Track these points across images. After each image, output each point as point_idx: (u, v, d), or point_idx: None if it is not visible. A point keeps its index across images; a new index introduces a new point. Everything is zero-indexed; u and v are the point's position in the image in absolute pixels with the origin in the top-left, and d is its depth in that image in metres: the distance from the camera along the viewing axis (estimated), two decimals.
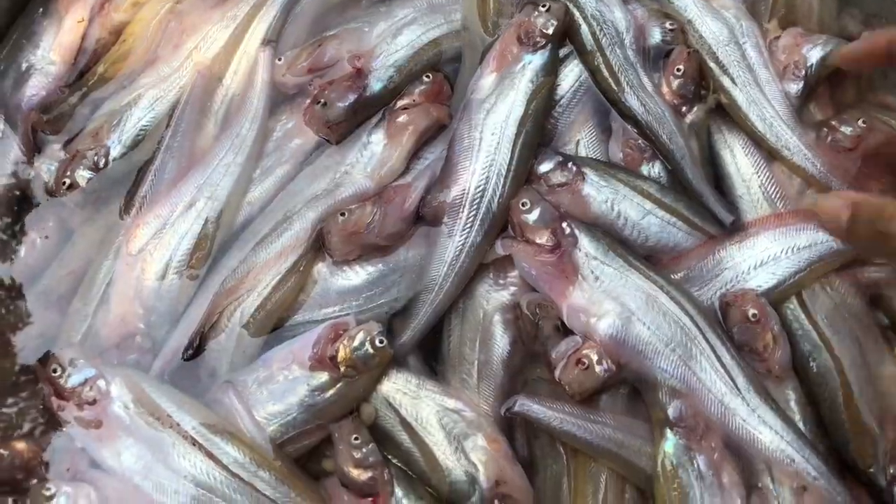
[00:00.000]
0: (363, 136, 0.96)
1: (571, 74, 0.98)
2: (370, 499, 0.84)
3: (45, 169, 0.96)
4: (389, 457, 0.87)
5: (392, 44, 0.98)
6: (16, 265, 0.94)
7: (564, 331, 0.87)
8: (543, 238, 0.89)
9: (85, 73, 1.01)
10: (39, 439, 0.87)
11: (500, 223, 0.91)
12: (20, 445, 0.86)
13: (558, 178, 0.92)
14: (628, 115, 0.95)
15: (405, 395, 0.88)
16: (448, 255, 0.89)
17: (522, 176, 0.92)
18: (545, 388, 0.88)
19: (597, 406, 0.86)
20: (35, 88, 0.99)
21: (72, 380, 0.86)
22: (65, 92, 1.00)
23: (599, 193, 0.92)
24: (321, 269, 0.91)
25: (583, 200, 0.91)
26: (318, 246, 0.91)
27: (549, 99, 0.95)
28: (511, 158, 0.91)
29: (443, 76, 0.98)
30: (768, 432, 0.84)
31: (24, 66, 1.00)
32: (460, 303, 0.91)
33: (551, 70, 0.95)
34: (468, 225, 0.90)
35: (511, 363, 0.89)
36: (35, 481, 0.84)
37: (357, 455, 0.84)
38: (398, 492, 0.85)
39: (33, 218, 0.96)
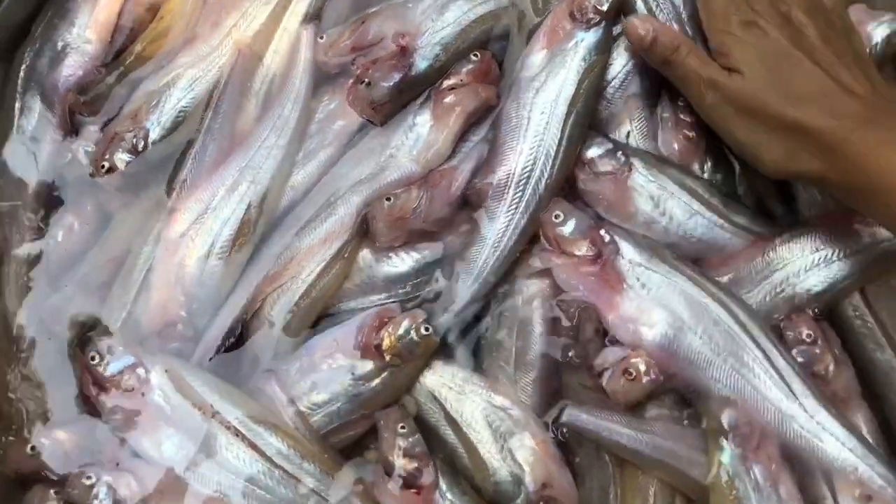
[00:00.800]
0: (408, 118, 0.92)
1: (622, 57, 0.94)
2: (414, 490, 0.82)
3: (83, 151, 0.94)
4: (434, 454, 0.84)
5: (438, 21, 0.94)
6: (54, 251, 0.92)
7: (604, 334, 0.85)
8: (582, 249, 0.86)
9: (122, 51, 0.98)
10: (79, 428, 0.85)
11: (546, 206, 0.88)
12: (60, 434, 0.85)
13: (605, 165, 0.88)
14: None
15: (451, 389, 0.85)
16: (490, 238, 0.86)
17: (571, 158, 0.88)
18: (588, 396, 0.85)
19: (644, 413, 0.84)
20: (71, 68, 0.96)
21: (110, 367, 0.84)
22: (101, 72, 0.97)
23: (646, 188, 0.88)
24: (366, 255, 0.89)
25: (627, 193, 0.88)
26: (363, 232, 0.88)
27: (602, 78, 0.92)
28: (560, 139, 0.87)
29: (491, 55, 0.95)
30: (829, 439, 0.80)
31: (59, 44, 0.97)
32: (500, 288, 0.88)
33: (605, 48, 0.91)
34: (513, 207, 0.86)
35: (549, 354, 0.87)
36: (75, 470, 0.82)
37: (403, 444, 0.82)
38: (442, 485, 0.82)
39: (70, 202, 0.93)
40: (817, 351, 0.83)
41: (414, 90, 0.93)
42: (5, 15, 0.99)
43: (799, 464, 0.81)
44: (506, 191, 0.86)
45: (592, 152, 0.89)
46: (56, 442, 0.84)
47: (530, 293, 0.87)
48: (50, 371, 0.88)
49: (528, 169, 0.86)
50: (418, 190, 0.87)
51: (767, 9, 0.84)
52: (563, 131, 0.87)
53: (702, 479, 0.81)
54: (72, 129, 0.95)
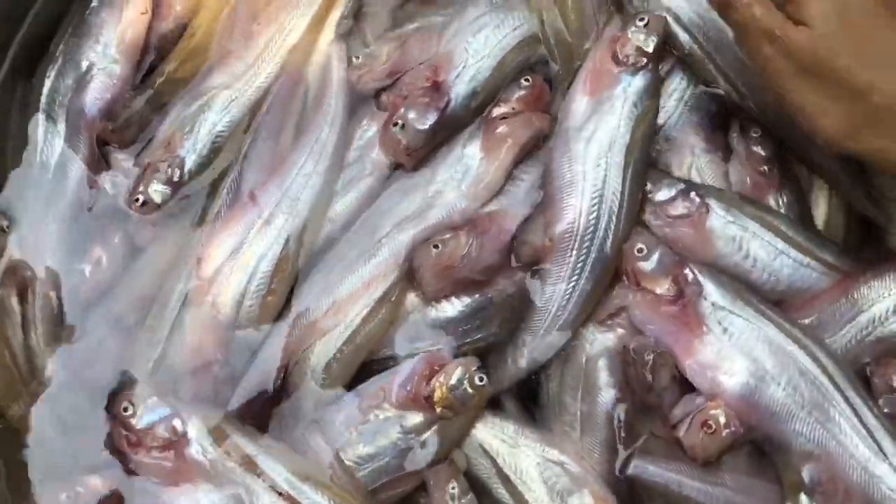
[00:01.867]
0: (456, 149, 0.87)
1: (675, 92, 0.89)
2: None
3: (110, 182, 0.89)
4: None
5: (470, 50, 0.88)
6: (81, 286, 0.87)
7: (682, 381, 0.79)
8: (663, 287, 0.80)
9: (151, 72, 0.92)
10: (116, 474, 0.80)
11: (613, 267, 0.82)
12: (96, 482, 0.80)
13: (679, 209, 0.82)
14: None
15: (503, 442, 0.81)
16: (554, 303, 0.81)
17: (635, 212, 0.83)
18: (659, 446, 0.80)
19: (718, 465, 0.79)
20: (98, 91, 0.90)
21: (144, 420, 0.79)
22: (130, 95, 0.91)
23: (726, 229, 0.82)
24: (412, 300, 0.84)
25: (706, 237, 0.82)
26: (409, 278, 0.83)
27: (655, 123, 0.86)
28: (622, 193, 0.82)
29: (542, 79, 0.89)
30: None
31: (84, 64, 0.91)
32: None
33: (655, 92, 0.86)
34: (578, 270, 0.81)
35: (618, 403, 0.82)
36: None
37: None
38: None
39: (97, 235, 0.88)
40: None
41: (448, 131, 0.87)
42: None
43: None
44: (569, 251, 0.81)
45: (663, 195, 0.83)
46: (91, 491, 0.80)
47: (595, 351, 0.82)
48: (82, 415, 0.84)
49: (591, 227, 0.81)
50: (467, 236, 0.82)
51: None
52: (623, 184, 0.82)
53: None
54: (100, 158, 0.89)
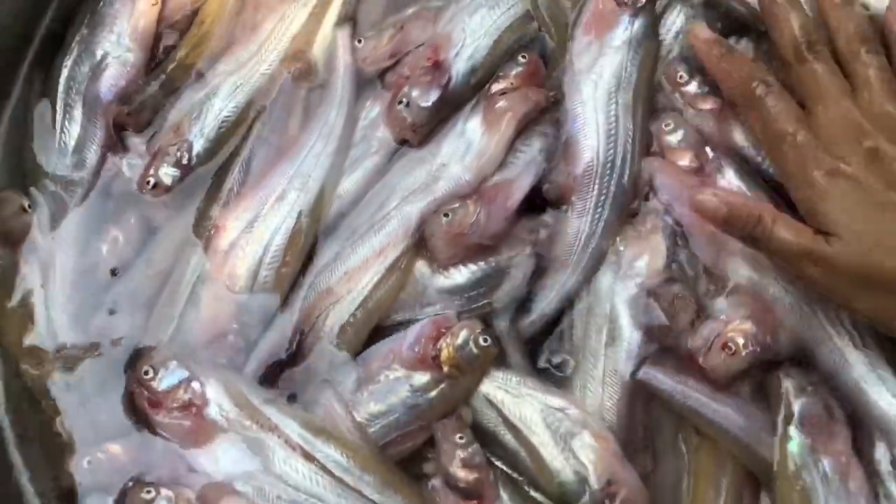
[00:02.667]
0: (458, 125, 0.91)
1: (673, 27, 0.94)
2: (475, 501, 0.82)
3: (127, 164, 0.93)
4: (493, 458, 0.84)
5: (468, 30, 0.93)
6: (100, 266, 0.91)
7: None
8: (685, 160, 0.86)
9: (164, 59, 0.97)
10: (134, 442, 0.84)
11: (632, 197, 0.88)
12: (115, 448, 0.84)
13: (708, 104, 0.88)
14: None
15: (507, 393, 0.85)
16: (581, 234, 0.86)
17: (645, 145, 0.89)
18: (670, 360, 0.85)
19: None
20: (113, 78, 0.94)
21: (164, 382, 0.82)
22: (144, 81, 0.95)
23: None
24: (421, 267, 0.88)
25: (727, 128, 0.88)
26: (420, 246, 0.87)
27: (657, 63, 0.91)
28: (633, 130, 0.88)
29: (537, 56, 0.93)
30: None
31: (99, 53, 0.95)
32: (583, 292, 0.88)
33: (655, 31, 0.91)
34: (601, 202, 0.86)
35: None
36: (132, 484, 0.81)
37: (462, 455, 0.81)
38: (503, 495, 0.82)
39: (115, 215, 0.92)
40: None
41: (450, 107, 0.92)
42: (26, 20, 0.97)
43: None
44: (591, 186, 0.86)
45: (693, 87, 0.89)
46: (112, 456, 0.83)
47: (620, 299, 0.86)
48: (101, 386, 0.87)
49: (609, 164, 0.86)
50: (475, 204, 0.86)
51: (849, 149, 0.72)
52: (633, 121, 0.88)
53: (769, 458, 0.81)
54: (117, 141, 0.93)
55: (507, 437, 0.84)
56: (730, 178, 0.86)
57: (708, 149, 0.87)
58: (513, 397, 0.84)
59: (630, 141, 0.88)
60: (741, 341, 0.81)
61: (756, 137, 0.85)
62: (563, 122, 0.90)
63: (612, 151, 0.87)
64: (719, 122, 0.88)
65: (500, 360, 0.86)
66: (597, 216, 0.87)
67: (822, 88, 0.77)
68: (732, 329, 0.82)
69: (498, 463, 0.84)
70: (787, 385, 0.82)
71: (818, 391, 0.82)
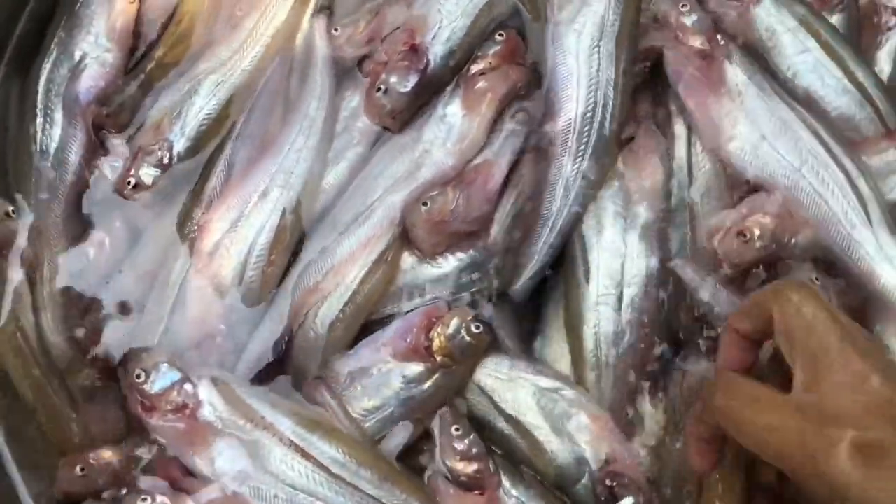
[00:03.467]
0: (438, 109, 0.90)
1: None
2: (477, 492, 0.81)
3: (108, 166, 0.92)
4: (490, 446, 0.83)
5: (444, 11, 0.92)
6: (86, 269, 0.90)
7: (702, 323, 0.84)
8: (697, 42, 0.88)
9: (143, 59, 0.96)
10: (128, 447, 0.83)
11: (615, 148, 0.87)
12: (108, 454, 0.83)
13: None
14: None
15: (497, 379, 0.84)
16: (560, 187, 0.86)
17: (630, 93, 0.89)
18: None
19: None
20: (92, 79, 0.93)
21: (157, 385, 0.81)
22: (123, 81, 0.94)
23: (768, 24, 0.91)
24: (407, 258, 0.87)
25: (748, 21, 0.91)
26: (404, 237, 0.86)
27: (639, 10, 0.91)
28: (616, 78, 0.87)
29: (515, 32, 0.92)
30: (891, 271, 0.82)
31: (77, 55, 0.94)
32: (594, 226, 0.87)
33: None
34: (580, 153, 0.86)
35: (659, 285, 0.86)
36: (126, 491, 0.80)
37: (460, 447, 0.80)
38: (505, 482, 0.81)
39: (99, 218, 0.91)
40: None
41: (429, 91, 0.91)
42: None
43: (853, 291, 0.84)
44: (569, 137, 0.86)
45: None
46: (105, 461, 0.82)
47: (630, 226, 0.87)
48: (93, 392, 0.86)
49: (589, 114, 0.86)
50: (454, 190, 0.85)
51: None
52: (617, 69, 0.87)
53: None
54: (97, 143, 0.92)
55: (502, 424, 0.83)
56: (737, 61, 0.88)
57: (720, 35, 0.89)
58: (504, 382, 0.83)
59: (612, 90, 0.87)
60: (757, 232, 0.83)
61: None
62: (545, 74, 0.89)
63: (592, 101, 0.87)
64: (741, 15, 0.91)
65: (492, 346, 0.85)
66: (576, 167, 0.86)
67: None
68: (752, 220, 0.83)
69: (496, 450, 0.83)
70: None
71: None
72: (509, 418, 0.83)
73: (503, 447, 0.83)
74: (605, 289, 0.85)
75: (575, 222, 0.87)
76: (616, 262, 0.86)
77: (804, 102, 0.89)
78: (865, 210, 0.83)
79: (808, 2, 0.93)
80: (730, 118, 0.87)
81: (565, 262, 0.88)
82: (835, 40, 0.91)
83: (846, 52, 0.91)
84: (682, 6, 0.89)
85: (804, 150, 0.85)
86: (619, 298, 0.85)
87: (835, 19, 0.95)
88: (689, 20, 0.89)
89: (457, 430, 0.80)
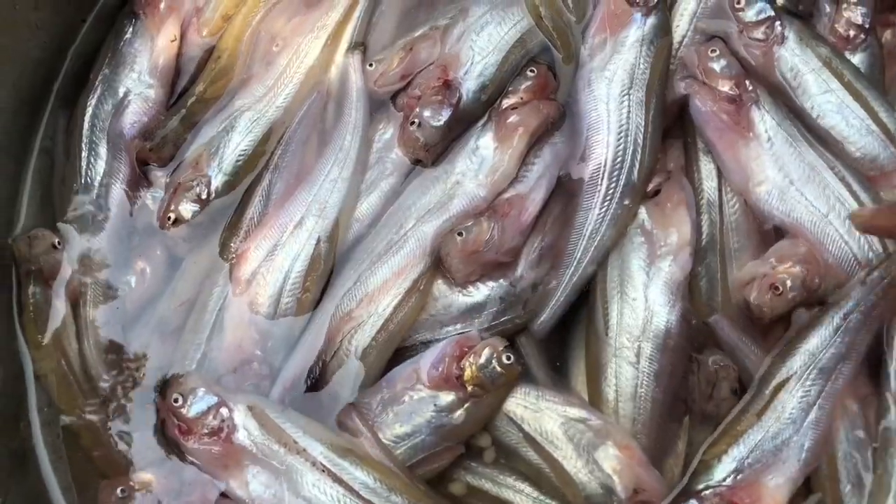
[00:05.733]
0: (470, 142, 0.92)
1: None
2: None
3: (150, 198, 0.95)
4: (518, 475, 0.84)
5: (476, 48, 0.94)
6: (128, 296, 0.92)
7: (741, 393, 0.84)
8: (726, 87, 0.89)
9: (183, 94, 0.99)
10: (165, 469, 0.85)
11: (641, 195, 0.89)
12: (146, 476, 0.85)
13: (759, 33, 0.91)
14: None
15: (526, 408, 0.85)
16: (587, 228, 0.88)
17: (659, 141, 0.91)
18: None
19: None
20: (136, 115, 0.97)
21: (193, 409, 0.83)
22: (166, 116, 0.97)
23: (791, 63, 0.92)
24: (440, 286, 0.89)
25: (771, 62, 0.91)
26: (438, 266, 0.88)
27: (669, 59, 0.93)
28: (646, 125, 0.89)
29: (546, 68, 0.95)
30: None
31: (121, 91, 0.98)
32: (616, 279, 0.89)
33: (668, 29, 0.94)
34: (608, 197, 0.88)
35: (679, 338, 0.87)
36: None
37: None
38: None
39: (141, 248, 0.94)
40: None
41: (462, 125, 0.93)
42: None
43: None
44: (600, 182, 0.88)
45: (751, 15, 0.92)
46: (144, 483, 0.85)
47: (653, 280, 0.88)
48: (133, 416, 0.88)
49: (619, 160, 0.88)
50: (489, 221, 0.87)
51: None
52: (647, 117, 0.89)
53: None
54: (141, 176, 0.95)
55: (531, 454, 0.84)
56: (766, 107, 0.90)
57: (748, 81, 0.90)
58: (532, 412, 0.84)
59: (641, 136, 0.89)
60: (789, 284, 0.84)
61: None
62: (576, 120, 0.91)
63: (622, 147, 0.89)
64: (765, 55, 0.91)
65: (522, 377, 0.86)
66: (604, 210, 0.88)
67: None
68: (783, 271, 0.85)
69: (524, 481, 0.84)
70: None
71: None
72: (539, 448, 0.83)
73: (533, 476, 0.84)
74: (624, 342, 0.86)
75: (599, 265, 0.88)
76: (636, 318, 0.87)
77: (829, 143, 0.90)
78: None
79: (830, 42, 0.94)
80: (758, 162, 0.88)
81: (588, 308, 0.89)
82: (858, 81, 0.92)
83: (869, 93, 0.92)
84: (712, 51, 0.90)
85: (832, 196, 0.87)
86: (638, 353, 0.85)
87: (858, 58, 0.95)
88: (717, 65, 0.90)
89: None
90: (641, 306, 0.86)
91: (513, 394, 0.85)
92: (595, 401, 0.86)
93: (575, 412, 0.84)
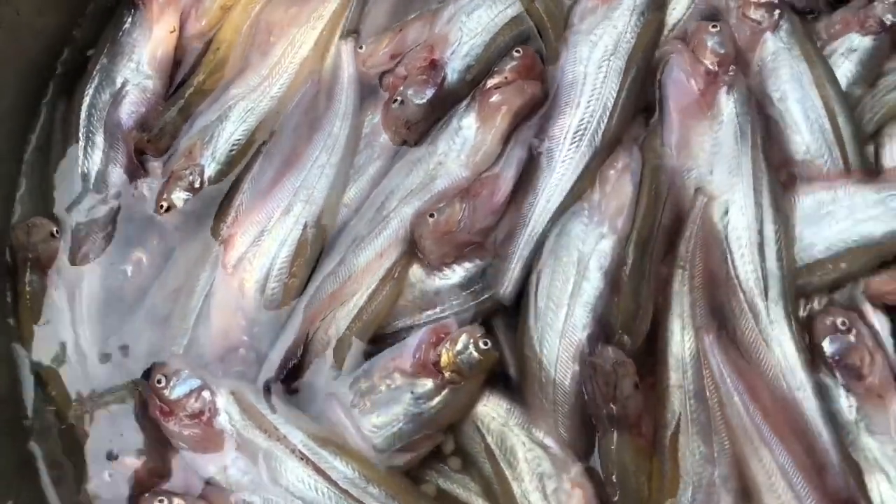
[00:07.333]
0: (453, 122, 0.91)
1: None
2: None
3: (147, 188, 0.95)
4: (468, 484, 0.84)
5: (465, 29, 0.93)
6: (125, 285, 0.93)
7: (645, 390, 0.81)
8: (707, 61, 0.88)
9: (182, 85, 0.99)
10: (149, 453, 0.86)
11: (603, 159, 0.87)
12: (129, 461, 0.86)
13: (757, 15, 0.91)
14: None
15: (493, 419, 0.83)
16: (543, 187, 0.86)
17: (630, 112, 0.88)
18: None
19: None
20: (134, 105, 0.98)
21: (176, 391, 0.84)
22: (163, 107, 0.98)
23: (775, 49, 0.91)
24: (416, 271, 0.87)
25: (755, 44, 0.91)
26: (412, 249, 0.87)
27: (658, 36, 0.92)
28: (619, 93, 0.87)
29: (533, 50, 0.93)
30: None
31: (119, 81, 0.99)
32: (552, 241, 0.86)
33: (660, 4, 0.92)
34: (567, 158, 0.86)
35: (605, 307, 0.84)
36: (146, 495, 0.83)
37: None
38: None
39: (138, 238, 0.95)
40: (851, 340, 0.82)
41: (446, 105, 0.92)
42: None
43: None
44: (562, 142, 0.86)
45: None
46: (126, 468, 0.86)
47: (587, 248, 0.86)
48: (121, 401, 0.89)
49: (584, 122, 0.87)
50: (461, 202, 0.85)
51: None
52: (621, 85, 0.87)
53: None
54: (138, 166, 0.96)
55: (486, 466, 0.82)
56: (737, 94, 0.88)
57: (733, 66, 0.89)
58: (499, 425, 0.83)
59: (612, 103, 0.87)
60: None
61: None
62: (554, 76, 0.90)
63: (590, 110, 0.87)
64: (753, 35, 0.91)
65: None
66: (563, 172, 0.86)
67: None
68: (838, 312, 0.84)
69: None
70: None
71: None
72: (495, 462, 0.82)
73: (483, 488, 0.83)
74: (549, 325, 0.84)
75: (553, 227, 0.86)
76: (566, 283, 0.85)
77: (780, 126, 0.90)
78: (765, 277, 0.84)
79: (822, 40, 0.94)
80: (699, 140, 0.87)
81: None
82: (831, 85, 0.92)
83: (837, 99, 0.91)
84: (713, 27, 0.89)
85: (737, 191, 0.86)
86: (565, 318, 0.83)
87: (866, 42, 0.94)
88: (711, 40, 0.89)
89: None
90: (573, 270, 0.84)
91: (486, 402, 0.83)
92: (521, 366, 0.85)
93: (539, 436, 0.82)
